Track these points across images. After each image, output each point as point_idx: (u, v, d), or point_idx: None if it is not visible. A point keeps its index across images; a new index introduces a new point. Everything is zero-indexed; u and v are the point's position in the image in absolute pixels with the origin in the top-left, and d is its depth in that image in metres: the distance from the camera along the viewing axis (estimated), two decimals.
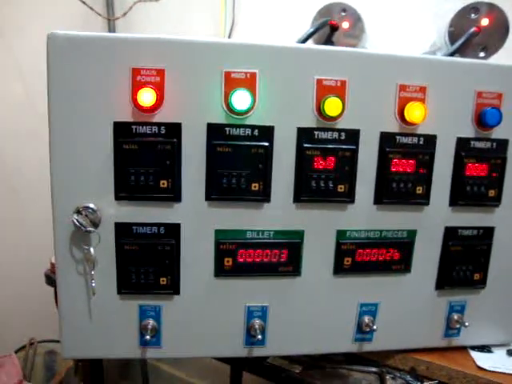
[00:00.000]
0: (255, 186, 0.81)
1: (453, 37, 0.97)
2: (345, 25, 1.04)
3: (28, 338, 2.03)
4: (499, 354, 0.97)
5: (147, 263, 0.83)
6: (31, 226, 2.02)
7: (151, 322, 0.85)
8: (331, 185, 0.83)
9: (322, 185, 0.82)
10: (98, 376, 1.37)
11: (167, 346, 0.87)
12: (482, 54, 0.97)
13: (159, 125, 0.79)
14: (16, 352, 1.99)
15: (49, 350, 2.01)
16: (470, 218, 0.90)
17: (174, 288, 0.84)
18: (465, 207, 0.89)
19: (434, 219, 0.89)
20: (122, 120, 0.78)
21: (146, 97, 0.77)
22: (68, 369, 1.85)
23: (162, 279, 0.84)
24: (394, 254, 0.89)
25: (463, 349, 0.98)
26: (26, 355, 2.00)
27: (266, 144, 0.80)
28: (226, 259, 0.84)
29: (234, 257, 0.84)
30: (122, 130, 0.78)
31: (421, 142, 0.85)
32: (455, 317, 0.94)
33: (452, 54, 0.93)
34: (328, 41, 1.05)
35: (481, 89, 0.86)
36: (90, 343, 0.86)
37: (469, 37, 0.94)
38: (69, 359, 1.55)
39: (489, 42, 0.97)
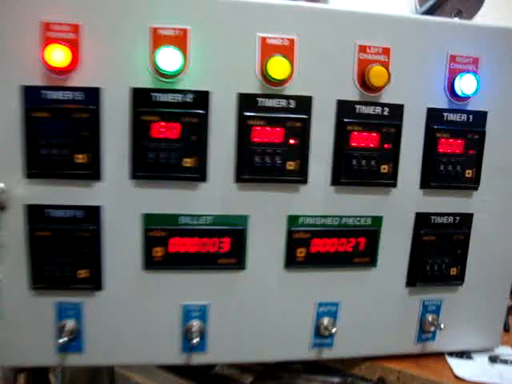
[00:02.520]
0: (188, 162, 0.69)
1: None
2: None
3: None
4: (480, 361, 0.84)
5: (63, 252, 0.71)
6: None
7: (70, 322, 0.73)
8: (279, 161, 0.71)
9: (268, 161, 0.70)
10: None
11: (91, 352, 0.75)
12: (456, 20, 0.85)
13: (75, 89, 0.67)
14: None
15: None
16: (444, 203, 0.79)
17: (95, 282, 0.72)
18: (438, 190, 0.78)
19: (402, 204, 0.77)
20: (31, 84, 0.66)
21: (57, 55, 0.65)
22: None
23: (80, 271, 0.71)
24: (357, 245, 0.77)
25: (439, 355, 0.86)
26: None
27: (201, 112, 0.68)
28: (156, 249, 0.72)
29: (165, 246, 0.72)
30: (31, 96, 0.66)
31: (385, 113, 0.73)
32: (429, 318, 0.82)
33: None
34: None
35: (454, 52, 0.74)
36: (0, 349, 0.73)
37: None
38: None
39: (464, 6, 0.85)
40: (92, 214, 0.70)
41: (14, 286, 0.71)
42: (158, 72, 0.67)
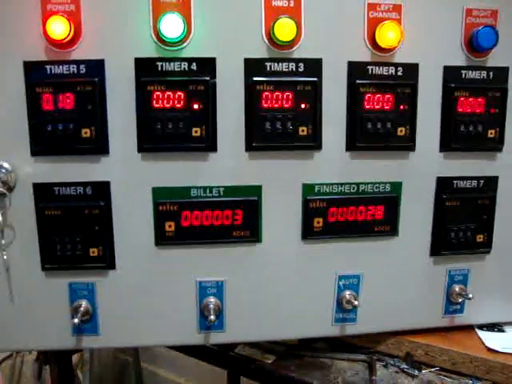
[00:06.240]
0: (197, 132, 0.67)
1: None
2: None
3: None
4: None
5: (73, 231, 0.69)
6: None
7: (84, 303, 0.71)
8: (290, 127, 0.68)
9: (279, 127, 0.68)
10: (68, 382, 1.22)
11: (106, 333, 0.73)
12: None
13: (78, 63, 0.66)
14: (1, 362, 1.86)
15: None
16: (466, 166, 0.75)
17: (107, 260, 0.70)
18: (459, 152, 0.74)
19: (422, 168, 0.74)
20: (33, 59, 0.65)
21: (57, 27, 0.63)
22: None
23: (92, 250, 0.70)
24: (376, 213, 0.74)
25: (469, 328, 0.82)
26: (13, 364, 1.88)
27: (207, 79, 0.66)
28: (168, 223, 0.70)
29: (177, 220, 0.70)
30: (34, 71, 0.65)
31: (399, 73, 0.70)
32: (457, 289, 0.78)
33: None
34: None
35: (471, 5, 0.70)
36: (13, 333, 0.72)
37: None
38: None
39: None
40: (101, 190, 0.69)
41: (26, 268, 0.70)
42: (161, 40, 0.65)
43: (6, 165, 0.67)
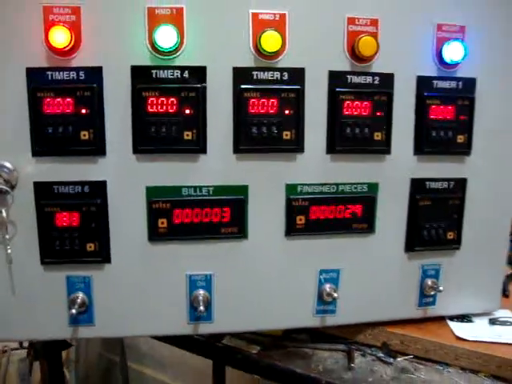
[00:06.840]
0: (188, 135, 0.72)
1: None
2: None
3: (0, 345, 1.92)
4: (480, 324, 0.86)
5: (71, 227, 0.73)
6: None
7: (81, 295, 0.75)
8: (275, 131, 0.73)
9: (265, 131, 0.73)
10: (57, 377, 1.26)
11: (100, 324, 0.77)
12: None
13: (77, 69, 0.70)
14: None
15: (23, 357, 1.90)
16: (438, 169, 0.81)
17: (103, 255, 0.75)
18: (432, 156, 0.80)
19: (397, 170, 0.79)
20: (35, 66, 0.69)
21: (59, 36, 0.68)
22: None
23: (89, 245, 0.74)
24: (355, 211, 0.79)
25: (441, 319, 0.88)
26: None
27: (198, 86, 0.71)
28: (160, 220, 0.74)
29: (169, 217, 0.74)
30: (35, 77, 0.70)
31: (376, 82, 0.76)
32: (429, 282, 0.84)
33: None
34: None
35: (441, 21, 0.77)
36: (12, 323, 0.76)
37: None
38: None
39: None
40: (98, 189, 0.73)
41: (27, 262, 0.74)
42: (156, 49, 0.70)
43: (8, 164, 0.71)
